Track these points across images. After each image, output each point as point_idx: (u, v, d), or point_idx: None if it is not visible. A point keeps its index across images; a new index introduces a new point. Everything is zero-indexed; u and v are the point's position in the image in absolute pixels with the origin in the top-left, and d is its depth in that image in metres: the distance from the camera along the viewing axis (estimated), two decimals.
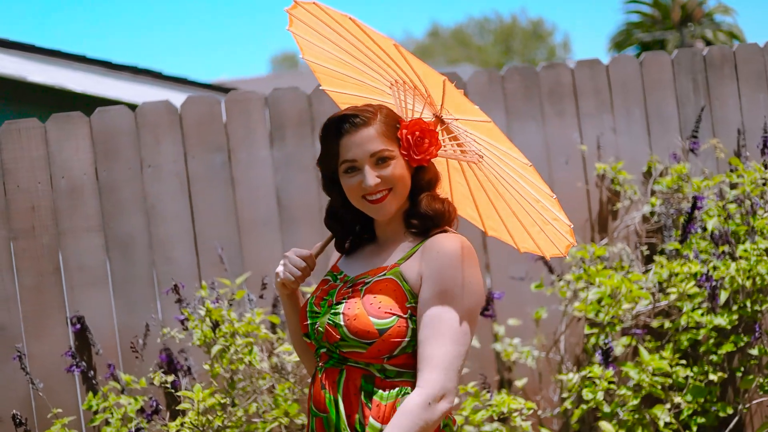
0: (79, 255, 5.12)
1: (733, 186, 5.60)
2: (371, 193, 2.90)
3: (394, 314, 2.81)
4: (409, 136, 2.91)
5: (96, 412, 4.90)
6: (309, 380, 4.97)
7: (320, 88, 3.40)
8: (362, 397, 2.85)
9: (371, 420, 2.81)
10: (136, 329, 5.12)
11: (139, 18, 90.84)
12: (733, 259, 5.19)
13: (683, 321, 5.07)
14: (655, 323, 5.20)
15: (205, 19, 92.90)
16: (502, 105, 5.66)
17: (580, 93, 5.78)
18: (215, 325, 4.58)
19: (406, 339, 2.82)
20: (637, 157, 5.79)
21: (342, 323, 2.84)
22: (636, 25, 34.53)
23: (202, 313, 4.56)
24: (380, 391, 2.84)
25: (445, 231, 2.93)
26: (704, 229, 5.30)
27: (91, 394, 4.89)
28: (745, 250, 5.11)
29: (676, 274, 5.05)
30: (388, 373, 2.86)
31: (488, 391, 4.67)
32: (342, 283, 2.99)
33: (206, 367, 4.61)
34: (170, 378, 4.44)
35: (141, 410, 4.83)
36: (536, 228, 3.06)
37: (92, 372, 4.98)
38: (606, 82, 5.83)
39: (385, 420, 2.80)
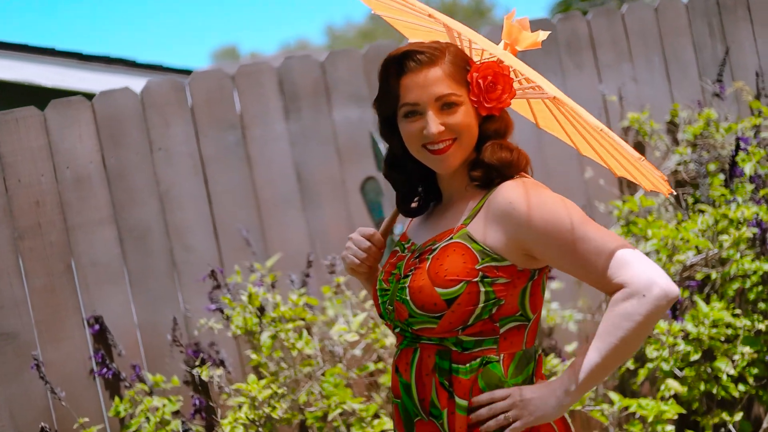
0: (91, 250, 4.77)
1: (755, 129, 5.40)
2: (433, 142, 2.54)
3: (461, 280, 2.46)
4: (480, 80, 2.53)
5: (123, 419, 4.59)
6: (363, 363, 4.72)
7: (410, 41, 2.97)
8: (436, 376, 2.53)
9: (457, 399, 2.50)
10: (158, 325, 4.79)
11: (74, 7, 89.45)
12: (767, 201, 5.01)
13: (733, 269, 4.85)
14: (699, 275, 4.98)
15: (138, 12, 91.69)
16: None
17: (598, 44, 5.56)
18: (261, 311, 4.26)
19: (480, 305, 2.47)
20: (659, 105, 5.59)
21: (408, 297, 2.52)
22: None
23: (244, 299, 4.24)
24: (459, 365, 2.51)
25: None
26: (742, 173, 5.10)
27: (117, 398, 4.57)
28: None
29: (717, 221, 4.84)
30: (466, 345, 2.52)
31: (561, 358, 4.42)
32: (410, 253, 2.66)
33: (253, 356, 4.29)
34: (218, 371, 4.12)
35: (176, 412, 4.52)
36: (638, 164, 2.65)
37: (120, 375, 4.65)
38: (623, 31, 5.62)
39: (469, 397, 2.50)
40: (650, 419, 4.26)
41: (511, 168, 2.57)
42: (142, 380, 4.66)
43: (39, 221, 4.71)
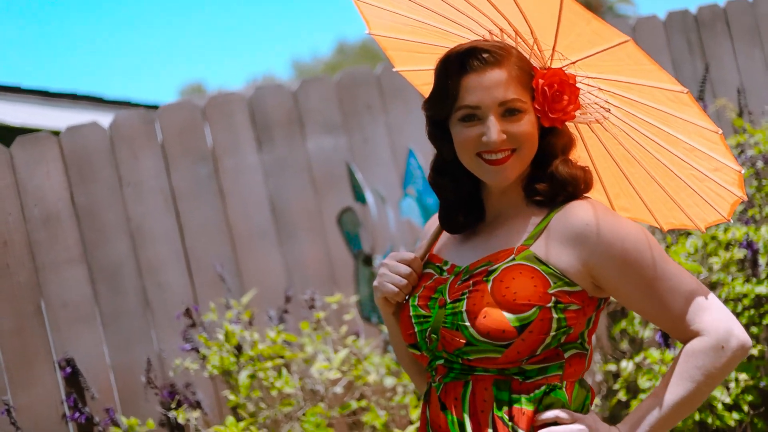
0: (61, 291, 4.63)
1: (740, 148, 5.29)
2: (491, 151, 2.30)
3: (534, 305, 2.23)
4: (546, 88, 2.31)
5: None
6: (345, 402, 4.57)
7: (394, 70, 2.77)
8: (494, 410, 2.29)
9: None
10: (132, 367, 4.64)
11: (38, 44, 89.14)
12: (755, 221, 4.90)
13: (724, 293, 4.73)
14: None
15: (104, 49, 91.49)
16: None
17: None
18: (238, 349, 4.11)
19: (552, 333, 2.26)
20: None
21: (467, 323, 2.26)
22: None
23: (221, 337, 4.08)
24: (520, 395, 2.29)
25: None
26: None
27: None
28: None
29: (707, 244, 4.72)
30: (529, 373, 2.29)
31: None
32: (453, 276, 2.38)
33: (231, 396, 4.13)
34: (195, 414, 3.96)
35: None
36: (687, 191, 2.45)
37: (93, 419, 4.49)
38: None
39: (531, 427, 2.28)
40: None
41: (581, 187, 2.38)
42: (116, 424, 4.50)
43: (7, 262, 4.57)
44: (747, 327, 4.84)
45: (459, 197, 2.45)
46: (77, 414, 4.39)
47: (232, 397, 4.21)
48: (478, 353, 2.27)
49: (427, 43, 2.56)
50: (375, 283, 2.50)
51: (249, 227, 4.92)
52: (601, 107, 2.41)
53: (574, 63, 2.36)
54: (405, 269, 2.44)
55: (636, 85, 2.33)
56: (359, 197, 4.99)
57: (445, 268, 2.44)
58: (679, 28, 5.67)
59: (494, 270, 2.30)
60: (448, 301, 2.33)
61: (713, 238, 4.71)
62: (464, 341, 2.28)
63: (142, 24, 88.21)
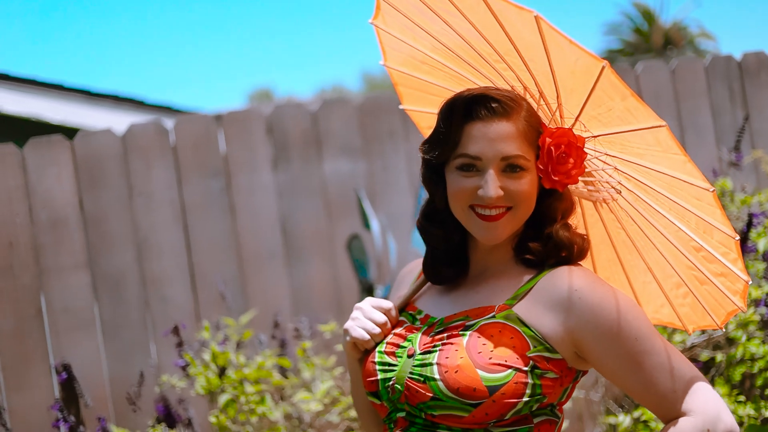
0: (63, 296, 4.62)
1: None
2: (486, 206, 2.19)
3: (510, 367, 2.11)
4: (552, 148, 2.19)
5: None
6: None
7: (400, 107, 2.68)
8: None
9: None
10: (128, 377, 4.61)
11: (111, 46, 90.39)
12: None
13: (739, 352, 4.56)
14: (702, 357, 4.70)
15: (175, 52, 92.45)
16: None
17: None
18: (222, 371, 4.04)
19: (524, 399, 2.12)
20: None
21: (437, 377, 2.13)
22: (617, 52, 34.22)
23: (207, 357, 4.02)
24: None
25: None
26: (754, 250, 4.81)
27: None
28: None
29: None
30: None
31: None
32: (426, 326, 2.27)
33: (212, 419, 4.06)
34: None
35: None
36: (683, 289, 2.34)
37: (81, 427, 4.44)
38: (637, 92, 5.37)
39: None
40: None
41: (576, 254, 2.26)
42: None
43: (11, 263, 4.57)
44: (762, 389, 4.68)
45: (446, 248, 2.33)
46: (61, 421, 4.34)
47: (213, 419, 4.14)
48: (443, 409, 2.15)
49: (441, 86, 2.46)
50: (345, 325, 2.38)
51: (258, 246, 4.86)
52: (613, 187, 2.29)
53: (595, 137, 2.24)
54: (380, 317, 2.33)
55: (657, 173, 2.21)
56: (367, 225, 4.91)
57: (418, 317, 2.33)
58: (722, 75, 5.51)
59: (472, 325, 2.19)
60: (418, 351, 2.22)
61: None
62: (431, 395, 2.16)
63: (217, 28, 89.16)
